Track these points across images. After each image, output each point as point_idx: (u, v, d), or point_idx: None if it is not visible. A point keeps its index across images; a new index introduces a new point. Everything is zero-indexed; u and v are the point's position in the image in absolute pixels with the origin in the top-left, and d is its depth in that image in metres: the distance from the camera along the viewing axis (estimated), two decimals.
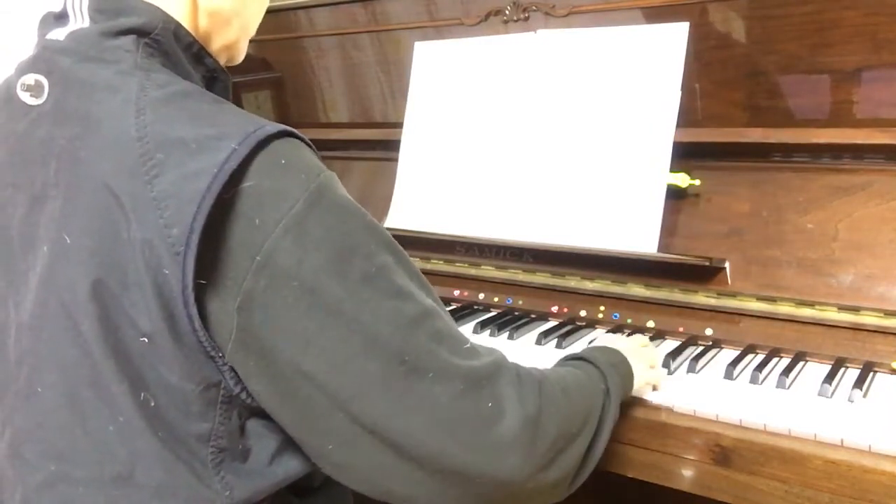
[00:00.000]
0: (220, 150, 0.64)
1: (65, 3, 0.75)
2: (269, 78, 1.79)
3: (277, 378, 0.67)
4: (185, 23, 0.76)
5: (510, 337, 1.19)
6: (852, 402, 0.92)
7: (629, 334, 1.16)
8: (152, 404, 0.69)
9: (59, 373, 0.71)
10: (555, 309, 1.27)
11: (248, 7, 0.82)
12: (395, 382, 0.67)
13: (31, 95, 0.74)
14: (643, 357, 0.99)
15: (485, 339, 1.20)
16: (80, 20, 0.73)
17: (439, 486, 0.70)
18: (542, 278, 1.30)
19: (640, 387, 0.97)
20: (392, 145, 1.47)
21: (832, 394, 0.94)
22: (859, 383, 0.94)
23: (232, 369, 0.69)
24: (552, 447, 0.75)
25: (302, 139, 0.71)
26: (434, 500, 0.71)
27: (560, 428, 0.76)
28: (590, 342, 1.13)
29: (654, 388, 1.00)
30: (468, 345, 0.73)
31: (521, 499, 0.75)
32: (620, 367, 0.91)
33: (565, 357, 0.92)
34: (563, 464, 0.77)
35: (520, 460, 0.71)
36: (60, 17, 0.75)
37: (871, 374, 0.98)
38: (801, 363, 1.03)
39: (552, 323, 1.25)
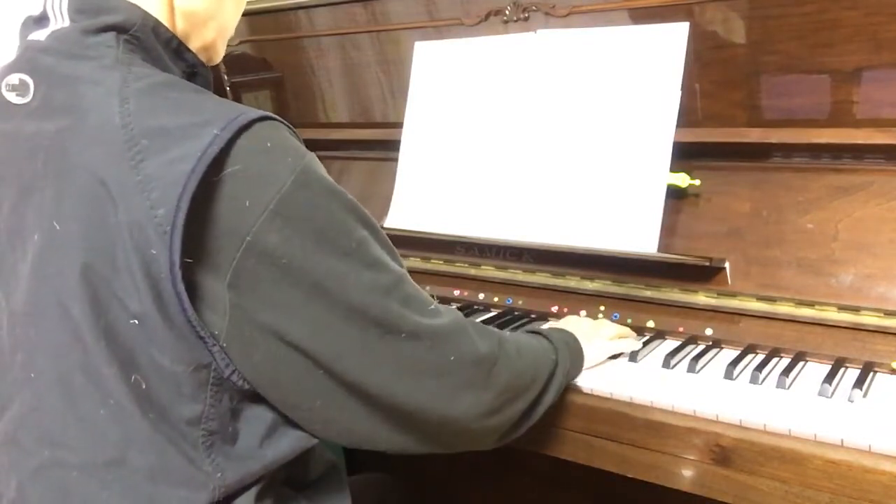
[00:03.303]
0: (202, 136, 0.67)
1: (44, 5, 0.76)
2: (269, 78, 1.80)
3: (269, 348, 0.71)
4: (164, 22, 0.78)
5: None
6: (852, 402, 0.92)
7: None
8: (143, 387, 0.70)
9: (51, 358, 0.72)
10: (555, 309, 1.27)
11: (225, 9, 0.85)
12: (373, 344, 0.75)
13: (17, 95, 0.75)
14: (599, 333, 1.07)
15: None
16: (60, 20, 0.76)
17: (401, 426, 0.80)
18: (542, 278, 1.30)
19: (604, 359, 1.07)
20: (392, 145, 1.47)
21: (832, 394, 0.94)
22: (859, 383, 0.94)
23: (222, 350, 0.71)
24: (501, 395, 0.85)
25: (282, 122, 0.74)
26: (394, 438, 0.81)
27: (511, 379, 0.86)
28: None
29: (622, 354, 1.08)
30: (432, 306, 0.81)
31: (462, 437, 0.85)
32: (571, 344, 1.00)
33: (523, 329, 1.02)
34: (508, 413, 0.87)
35: (472, 401, 0.82)
36: (41, 19, 0.77)
37: (871, 374, 0.98)
38: (801, 363, 1.03)
39: (552, 323, 1.24)
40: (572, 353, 0.99)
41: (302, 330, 0.71)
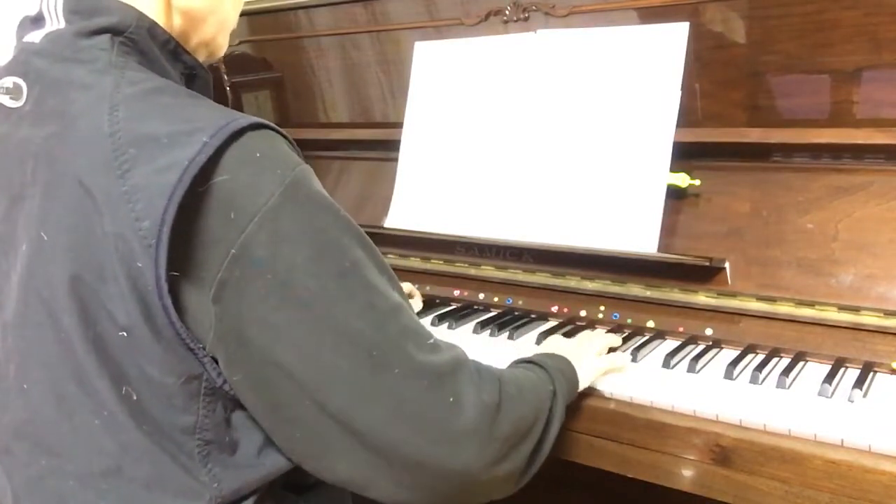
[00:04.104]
0: (191, 145, 0.64)
1: (40, 6, 0.75)
2: (269, 78, 1.80)
3: (251, 367, 0.68)
4: (161, 22, 0.77)
5: (510, 337, 1.19)
6: (852, 402, 0.92)
7: (629, 335, 1.16)
8: (135, 398, 0.69)
9: (44, 369, 0.72)
10: (555, 309, 1.27)
11: (224, 3, 0.83)
12: (363, 375, 0.69)
13: (11, 98, 0.74)
14: (587, 351, 1.02)
15: (485, 339, 1.20)
16: (55, 22, 0.74)
17: (397, 474, 0.73)
18: (542, 278, 1.30)
19: (596, 378, 1.01)
20: (392, 145, 1.47)
21: (832, 394, 0.94)
22: (859, 383, 0.94)
23: (213, 361, 0.69)
24: (506, 442, 0.77)
25: (276, 130, 0.71)
26: (391, 488, 0.74)
27: (514, 424, 0.79)
28: None
29: (610, 373, 1.04)
30: (431, 340, 0.75)
31: (473, 490, 0.77)
32: (566, 371, 0.94)
33: (517, 360, 0.95)
34: (516, 459, 0.80)
35: (475, 453, 0.74)
36: (37, 20, 0.76)
37: (871, 374, 0.98)
38: (801, 363, 1.03)
39: (552, 323, 1.25)
40: (568, 381, 0.94)
41: (287, 352, 0.67)
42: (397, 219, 1.43)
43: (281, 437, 0.73)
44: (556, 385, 0.90)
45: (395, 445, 0.71)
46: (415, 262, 1.44)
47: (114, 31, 0.73)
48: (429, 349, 0.73)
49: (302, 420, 0.70)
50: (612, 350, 1.09)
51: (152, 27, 0.75)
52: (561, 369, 0.93)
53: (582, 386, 0.98)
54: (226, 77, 1.82)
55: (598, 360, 1.03)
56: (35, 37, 0.75)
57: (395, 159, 1.45)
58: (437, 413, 0.72)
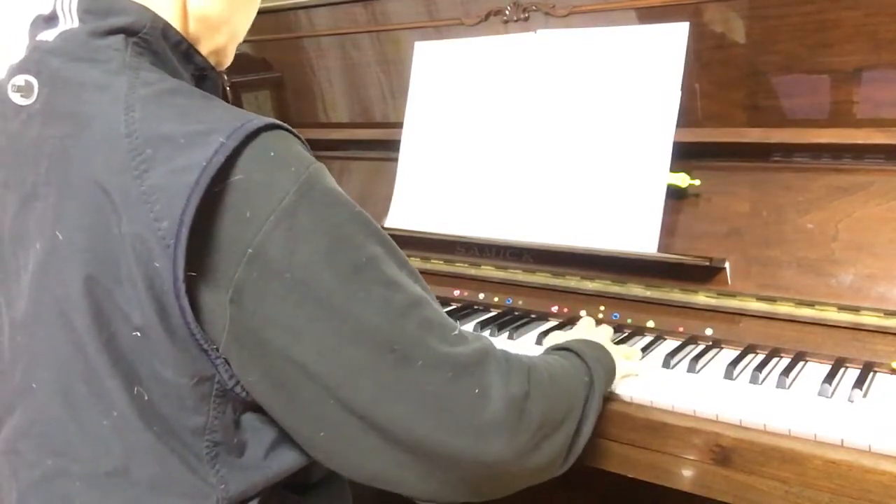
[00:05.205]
0: (208, 145, 0.65)
1: (54, 5, 0.75)
2: (269, 78, 1.80)
3: (270, 367, 0.68)
4: (175, 25, 0.77)
5: (510, 337, 1.19)
6: (852, 402, 0.92)
7: (629, 335, 1.16)
8: (146, 398, 0.69)
9: (53, 369, 0.71)
10: (555, 309, 1.27)
11: (237, 14, 0.83)
12: (385, 371, 0.68)
13: (22, 96, 0.74)
14: (618, 350, 1.01)
15: None
16: (69, 21, 0.74)
17: (426, 470, 0.72)
18: (542, 278, 1.30)
19: (617, 380, 0.98)
20: (392, 145, 1.47)
21: (832, 394, 0.94)
22: (859, 383, 0.94)
23: (226, 362, 0.69)
24: (538, 432, 0.76)
25: (290, 131, 0.71)
26: (421, 483, 0.73)
27: (545, 413, 0.77)
28: None
29: (631, 376, 1.02)
30: (456, 331, 0.74)
31: (505, 481, 0.77)
32: (604, 361, 0.92)
33: (552, 347, 0.94)
34: (548, 449, 0.78)
35: (505, 444, 0.73)
36: (50, 19, 0.76)
37: (871, 374, 0.98)
38: (801, 363, 1.03)
39: (552, 323, 1.25)
40: (606, 371, 0.91)
41: (308, 351, 0.67)
42: (397, 219, 1.43)
43: (303, 436, 0.72)
44: (594, 375, 0.88)
45: (421, 440, 0.70)
46: (415, 262, 1.42)
47: (128, 31, 0.73)
48: (453, 341, 0.72)
49: (325, 419, 0.69)
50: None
51: (166, 28, 0.75)
52: (599, 359, 0.91)
53: (617, 376, 0.96)
54: (226, 77, 1.82)
55: (625, 363, 1.01)
56: (48, 35, 0.75)
57: (395, 159, 1.45)
58: (462, 405, 0.71)
